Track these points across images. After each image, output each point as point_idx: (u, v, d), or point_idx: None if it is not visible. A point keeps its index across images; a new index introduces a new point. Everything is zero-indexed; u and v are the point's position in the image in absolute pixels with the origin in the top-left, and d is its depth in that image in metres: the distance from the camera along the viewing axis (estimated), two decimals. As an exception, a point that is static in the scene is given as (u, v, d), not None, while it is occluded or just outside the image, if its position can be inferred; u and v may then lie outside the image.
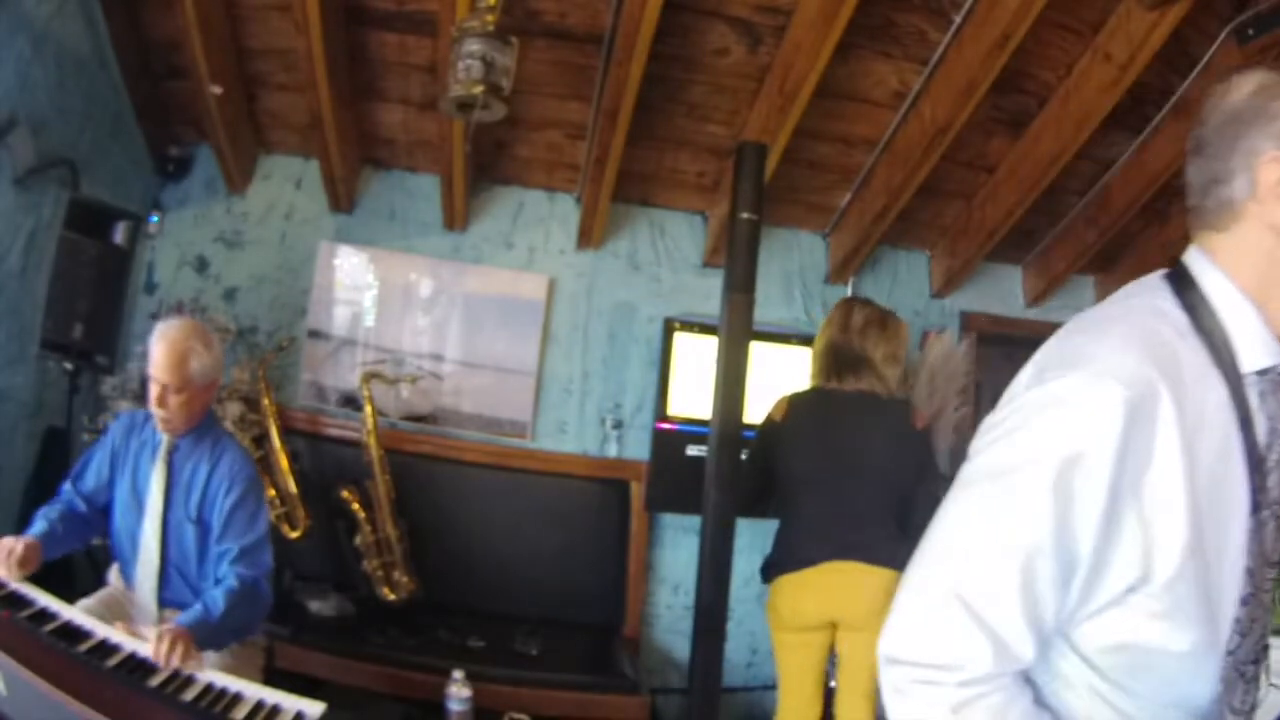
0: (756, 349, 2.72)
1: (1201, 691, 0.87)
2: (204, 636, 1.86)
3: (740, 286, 2.60)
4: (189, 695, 1.68)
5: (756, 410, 2.72)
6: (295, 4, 2.61)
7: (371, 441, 3.09)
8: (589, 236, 3.48)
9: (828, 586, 2.46)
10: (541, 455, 3.46)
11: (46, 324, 2.85)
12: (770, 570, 2.60)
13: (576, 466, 3.48)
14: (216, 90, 2.92)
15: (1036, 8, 2.43)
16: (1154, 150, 3.12)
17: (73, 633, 1.75)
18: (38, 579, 1.89)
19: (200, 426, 2.14)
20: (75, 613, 1.82)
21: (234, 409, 3.04)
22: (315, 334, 3.41)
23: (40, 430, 2.90)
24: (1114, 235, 3.52)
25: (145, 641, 1.77)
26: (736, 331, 2.60)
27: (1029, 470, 0.85)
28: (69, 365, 2.89)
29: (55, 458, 2.86)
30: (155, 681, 1.69)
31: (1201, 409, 0.85)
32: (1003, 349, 3.92)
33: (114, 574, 2.23)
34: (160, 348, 2.04)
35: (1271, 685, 1.01)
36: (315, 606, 3.01)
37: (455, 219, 3.42)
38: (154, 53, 3.10)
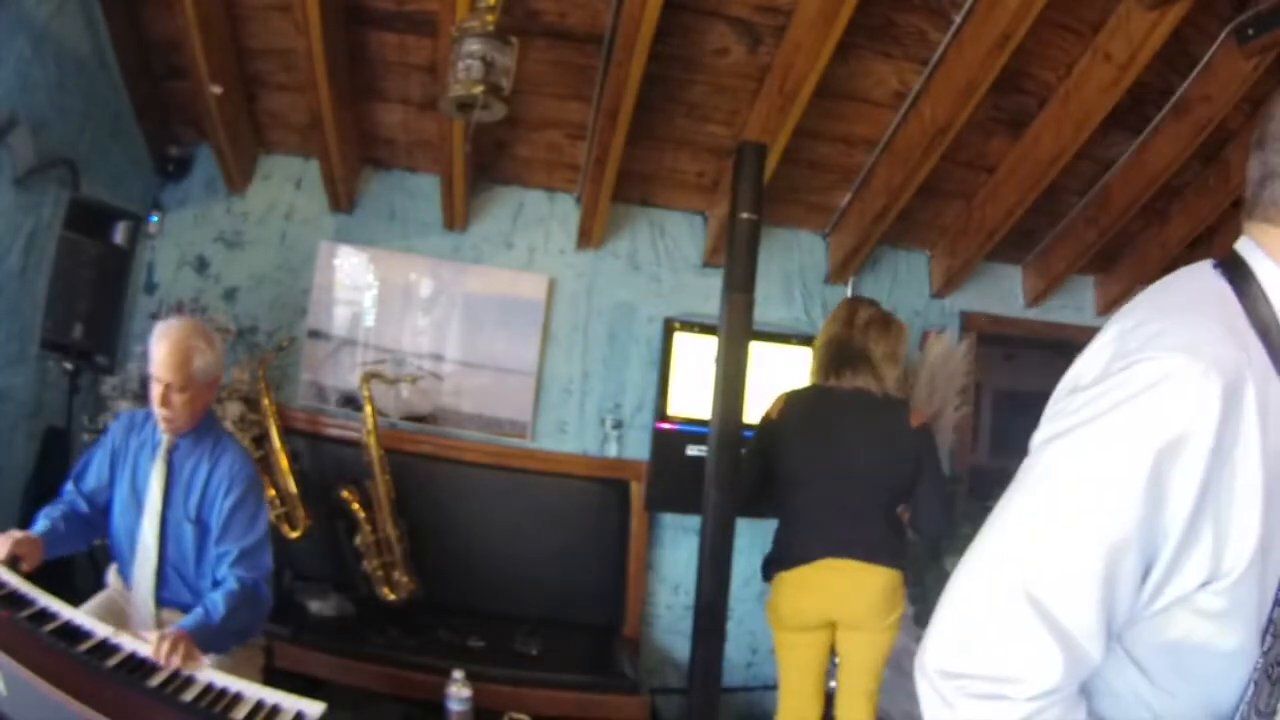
0: (756, 349, 2.73)
1: (1233, 693, 0.84)
2: (205, 640, 1.85)
3: (740, 286, 2.60)
4: (189, 695, 1.68)
5: (756, 410, 2.72)
6: (295, 4, 2.61)
7: (371, 441, 3.09)
8: (589, 236, 3.48)
9: (826, 586, 2.46)
10: (541, 455, 3.46)
11: (46, 324, 2.85)
12: (769, 568, 2.61)
13: (576, 466, 3.48)
14: (216, 90, 2.92)
15: (1036, 8, 2.43)
16: (1154, 150, 3.11)
17: (73, 633, 1.75)
18: (38, 579, 1.88)
19: (200, 426, 2.14)
20: (75, 613, 1.82)
21: (234, 409, 3.04)
22: (315, 334, 3.41)
23: (40, 430, 2.90)
24: (1114, 235, 3.52)
25: (145, 643, 1.77)
26: (736, 331, 2.60)
27: (1121, 458, 0.78)
28: (69, 365, 2.89)
29: (55, 458, 2.86)
30: (155, 681, 1.69)
31: (1266, 400, 0.80)
32: (1003, 349, 3.92)
33: (112, 574, 2.22)
34: (163, 347, 2.04)
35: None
36: (315, 606, 3.01)
37: (455, 219, 3.42)
38: (154, 53, 3.10)
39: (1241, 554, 0.79)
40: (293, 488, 3.04)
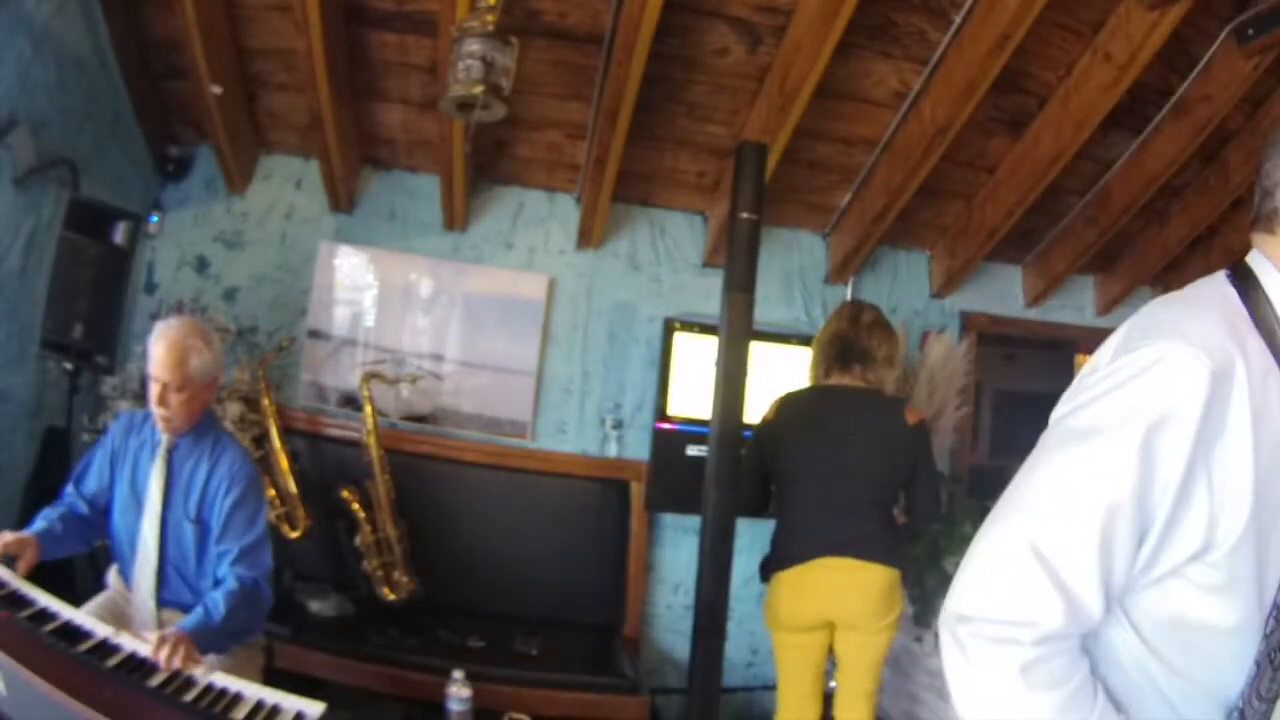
0: (756, 349, 2.73)
1: (1237, 676, 0.89)
2: (205, 641, 1.85)
3: (740, 286, 2.60)
4: (189, 695, 1.68)
5: (756, 410, 2.72)
6: (295, 4, 2.61)
7: (371, 441, 3.09)
8: (589, 236, 3.48)
9: (823, 584, 2.46)
10: (541, 455, 3.46)
11: (46, 324, 2.85)
12: (767, 567, 2.61)
13: (576, 466, 3.48)
14: (216, 90, 2.92)
15: (1036, 8, 2.43)
16: (1154, 150, 3.11)
17: (73, 633, 1.75)
18: (38, 579, 1.88)
19: (200, 426, 2.14)
20: (76, 613, 1.82)
21: (234, 409, 3.04)
22: (315, 334, 3.41)
23: (40, 430, 2.90)
24: (1114, 235, 3.53)
25: (146, 643, 1.77)
26: (736, 331, 2.61)
27: (1117, 430, 0.88)
28: (69, 365, 2.89)
29: (55, 458, 2.86)
30: (155, 681, 1.69)
31: (1265, 396, 0.88)
32: (1003, 349, 3.92)
33: (113, 574, 2.22)
34: (160, 346, 2.04)
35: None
36: (315, 606, 3.01)
37: (455, 219, 3.42)
38: (154, 53, 3.10)
39: (1234, 526, 0.86)
40: (293, 488, 3.04)
